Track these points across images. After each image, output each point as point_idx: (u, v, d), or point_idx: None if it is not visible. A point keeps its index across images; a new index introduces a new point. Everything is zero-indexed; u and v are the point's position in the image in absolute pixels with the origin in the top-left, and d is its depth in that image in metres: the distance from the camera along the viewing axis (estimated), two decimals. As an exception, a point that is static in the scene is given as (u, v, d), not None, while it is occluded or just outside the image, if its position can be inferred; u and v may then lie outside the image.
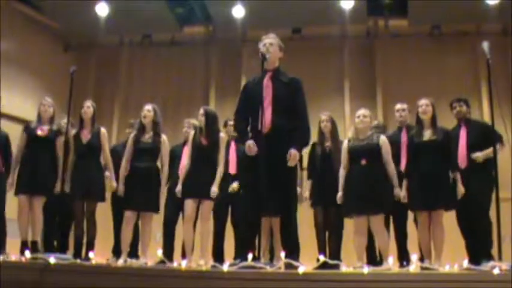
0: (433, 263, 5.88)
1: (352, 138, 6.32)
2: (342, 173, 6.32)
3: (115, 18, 10.66)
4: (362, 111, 6.30)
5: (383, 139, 6.23)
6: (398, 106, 7.22)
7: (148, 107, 6.82)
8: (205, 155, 6.59)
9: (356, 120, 6.31)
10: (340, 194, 6.28)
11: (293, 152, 4.99)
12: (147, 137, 6.73)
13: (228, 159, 7.31)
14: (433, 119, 6.32)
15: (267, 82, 5.23)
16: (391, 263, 5.42)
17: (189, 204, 6.55)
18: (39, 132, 6.90)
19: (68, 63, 10.08)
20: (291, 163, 5.00)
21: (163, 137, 6.80)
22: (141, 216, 6.66)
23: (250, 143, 5.07)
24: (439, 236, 6.05)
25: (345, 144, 6.33)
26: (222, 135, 6.80)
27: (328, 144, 6.98)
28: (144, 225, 6.67)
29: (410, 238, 6.79)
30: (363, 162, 6.09)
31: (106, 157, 6.99)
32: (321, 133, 7.06)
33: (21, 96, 10.33)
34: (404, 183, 6.33)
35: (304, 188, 7.08)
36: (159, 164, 6.79)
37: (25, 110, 9.54)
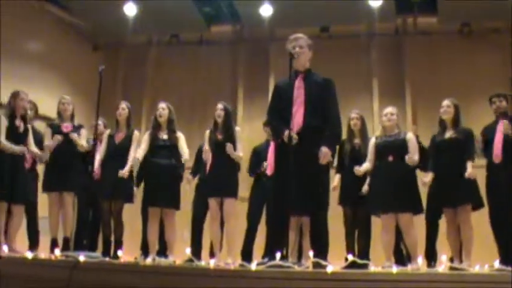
0: (463, 263, 5.83)
1: (380, 135, 6.30)
2: (367, 167, 6.32)
3: (143, 17, 10.74)
4: (389, 109, 6.30)
5: (410, 135, 6.24)
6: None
7: (162, 105, 6.87)
8: (222, 150, 6.57)
9: (383, 118, 6.31)
10: (365, 187, 6.26)
11: (324, 149, 4.97)
12: (163, 134, 6.77)
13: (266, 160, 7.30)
14: (455, 120, 6.33)
15: (298, 83, 5.20)
16: (420, 262, 5.37)
17: (212, 203, 6.59)
18: (64, 130, 6.97)
19: (96, 62, 10.14)
20: (323, 161, 4.98)
21: (179, 133, 6.84)
22: (163, 213, 6.67)
23: (286, 133, 4.99)
24: (467, 234, 6.01)
25: (372, 141, 6.34)
26: (238, 129, 6.82)
27: (357, 141, 6.99)
28: (167, 222, 6.69)
29: (440, 237, 6.73)
30: (390, 158, 6.08)
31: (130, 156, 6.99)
32: (350, 131, 7.06)
33: (50, 96, 10.38)
34: (430, 175, 6.28)
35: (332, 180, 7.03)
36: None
37: (54, 110, 9.62)
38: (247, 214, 7.34)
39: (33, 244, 7.23)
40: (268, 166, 7.19)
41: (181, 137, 6.81)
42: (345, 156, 7.02)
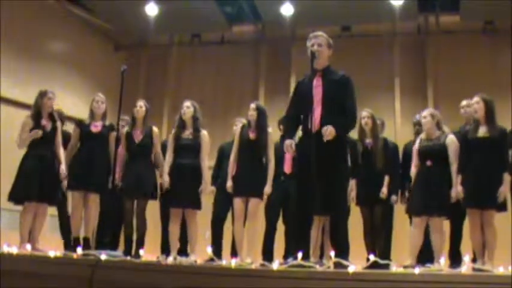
0: (486, 264, 5.77)
1: (423, 138, 6.33)
2: (413, 171, 6.35)
3: (165, 18, 10.80)
4: (423, 112, 6.37)
5: (451, 138, 6.21)
6: (463, 103, 6.95)
7: (187, 103, 6.81)
8: (252, 149, 6.55)
9: (422, 121, 6.33)
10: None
11: (330, 127, 4.86)
12: (188, 133, 6.73)
13: (284, 158, 7.28)
14: (487, 115, 6.08)
15: (317, 82, 5.17)
16: (442, 263, 5.33)
17: (238, 203, 6.55)
18: (93, 129, 6.93)
19: (118, 62, 10.21)
20: (326, 137, 4.87)
21: (204, 132, 6.77)
22: (185, 213, 6.67)
23: (287, 142, 5.08)
24: (491, 236, 5.92)
25: (416, 145, 6.37)
26: (271, 130, 6.74)
27: (369, 141, 6.95)
28: (188, 223, 6.67)
29: (463, 238, 6.68)
30: (428, 163, 6.13)
31: (157, 156, 7.01)
32: (361, 130, 7.00)
33: (73, 96, 10.53)
34: (459, 179, 6.18)
35: (350, 187, 6.99)
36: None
37: (78, 109, 9.69)
38: (265, 213, 7.30)
39: (67, 243, 7.25)
40: (286, 164, 7.18)
41: (205, 138, 6.72)
42: (357, 156, 6.98)
